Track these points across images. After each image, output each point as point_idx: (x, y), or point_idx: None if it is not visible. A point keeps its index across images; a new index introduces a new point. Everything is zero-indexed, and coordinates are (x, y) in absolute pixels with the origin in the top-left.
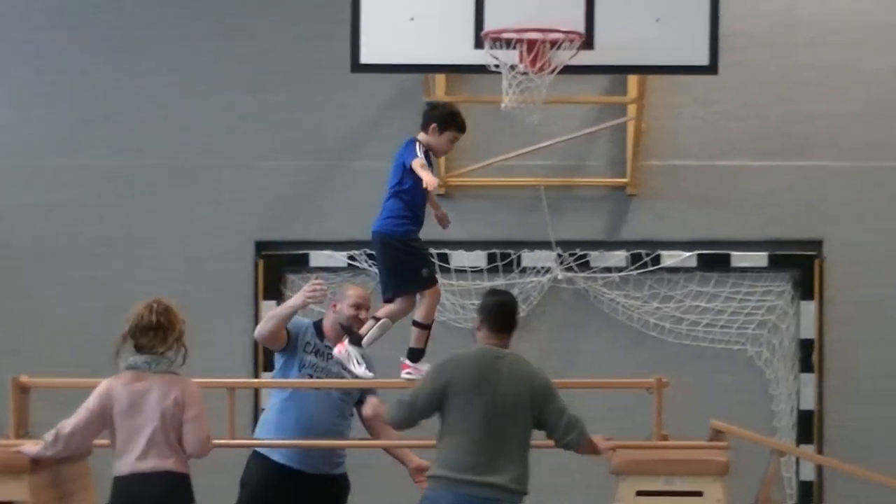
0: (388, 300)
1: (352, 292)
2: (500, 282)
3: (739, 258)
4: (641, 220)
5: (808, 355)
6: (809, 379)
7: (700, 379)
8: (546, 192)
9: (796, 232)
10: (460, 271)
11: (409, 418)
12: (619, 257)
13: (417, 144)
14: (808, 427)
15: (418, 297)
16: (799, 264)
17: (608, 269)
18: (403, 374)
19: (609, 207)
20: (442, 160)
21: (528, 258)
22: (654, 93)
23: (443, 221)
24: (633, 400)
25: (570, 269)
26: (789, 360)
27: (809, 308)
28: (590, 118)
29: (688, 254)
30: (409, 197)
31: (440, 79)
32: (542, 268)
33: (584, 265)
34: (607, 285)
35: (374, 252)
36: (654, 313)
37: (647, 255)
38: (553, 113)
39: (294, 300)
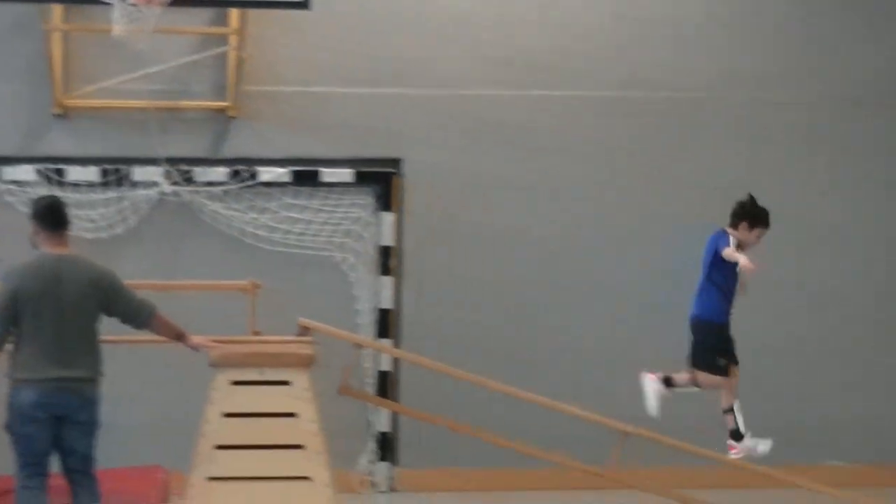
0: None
1: None
2: (112, 195)
3: (328, 174)
4: (241, 139)
5: (387, 260)
6: (388, 281)
7: (291, 282)
8: (154, 114)
9: (378, 151)
10: (75, 185)
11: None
12: (220, 173)
13: (731, 238)
14: (385, 324)
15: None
16: (380, 180)
17: (211, 184)
18: (731, 454)
19: (212, 128)
20: (58, 83)
21: (139, 173)
22: (253, 25)
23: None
24: (231, 301)
25: (176, 183)
26: (370, 264)
27: (389, 219)
28: (195, 47)
29: (282, 170)
30: (725, 285)
31: (57, 8)
32: (151, 182)
33: (189, 180)
34: (210, 198)
35: (693, 331)
36: (251, 223)
37: (246, 171)
38: (162, 41)
39: None
